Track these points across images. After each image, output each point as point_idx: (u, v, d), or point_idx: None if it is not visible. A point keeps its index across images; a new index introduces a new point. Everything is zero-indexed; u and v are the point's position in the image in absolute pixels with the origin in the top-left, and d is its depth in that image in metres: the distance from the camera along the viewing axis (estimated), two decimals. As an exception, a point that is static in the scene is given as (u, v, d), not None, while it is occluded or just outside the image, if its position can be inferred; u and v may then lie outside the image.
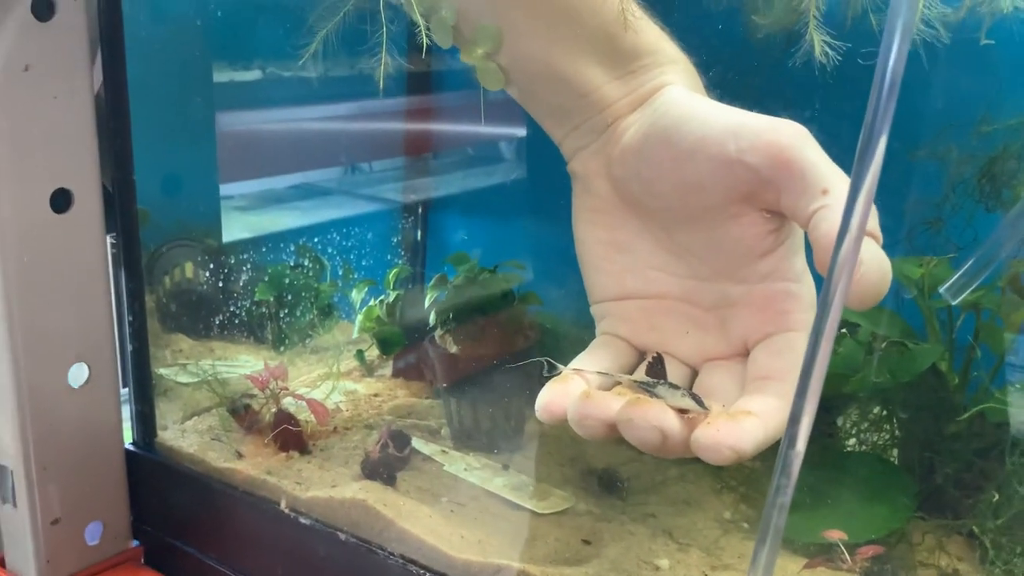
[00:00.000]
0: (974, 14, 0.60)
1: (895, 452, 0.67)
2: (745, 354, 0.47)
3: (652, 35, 0.49)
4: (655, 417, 0.40)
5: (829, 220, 0.39)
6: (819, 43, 0.48)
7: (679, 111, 0.46)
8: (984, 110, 0.65)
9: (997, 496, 0.59)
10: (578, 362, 0.48)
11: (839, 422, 0.68)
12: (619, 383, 0.46)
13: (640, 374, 0.47)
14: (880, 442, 0.67)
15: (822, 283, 0.41)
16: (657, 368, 0.45)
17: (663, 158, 0.46)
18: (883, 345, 0.62)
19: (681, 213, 0.47)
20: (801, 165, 0.41)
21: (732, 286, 0.47)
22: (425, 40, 0.50)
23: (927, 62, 0.61)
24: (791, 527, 0.61)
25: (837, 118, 0.47)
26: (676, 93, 0.48)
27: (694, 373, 0.49)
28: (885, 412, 0.67)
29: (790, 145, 0.41)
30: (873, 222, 0.39)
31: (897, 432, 0.67)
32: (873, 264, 0.38)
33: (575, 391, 0.43)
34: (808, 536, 0.61)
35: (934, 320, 0.64)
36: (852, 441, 0.68)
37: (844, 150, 0.38)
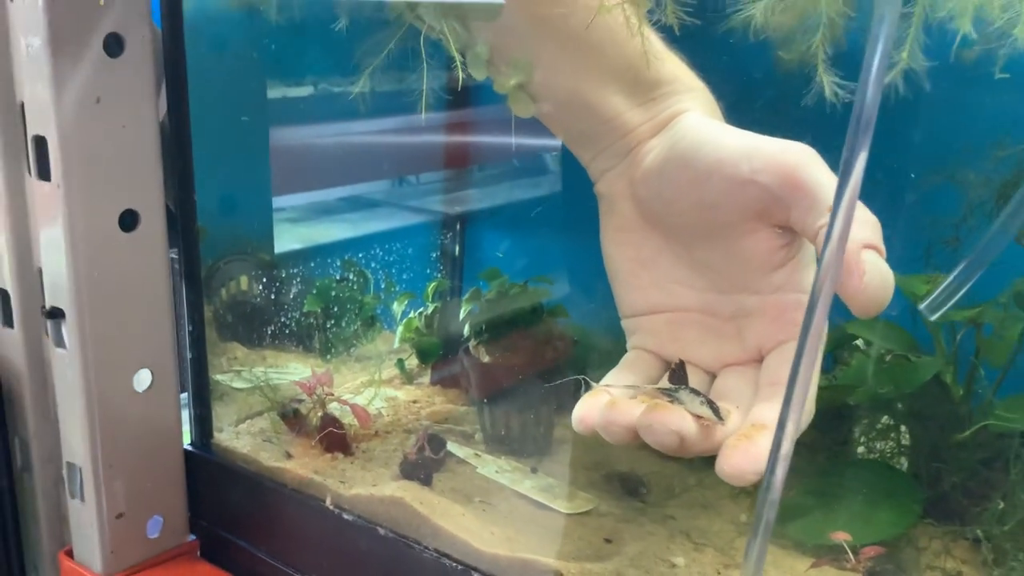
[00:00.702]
0: (989, 52, 0.63)
1: (903, 461, 0.70)
2: (760, 360, 0.51)
3: (671, 65, 0.53)
4: (672, 421, 0.44)
5: None
6: (829, 84, 0.52)
7: (696, 135, 0.50)
8: (1000, 136, 0.68)
9: (1002, 504, 0.61)
10: (610, 377, 0.52)
11: (852, 431, 0.71)
12: (644, 393, 0.49)
13: (664, 381, 0.50)
14: (888, 451, 0.70)
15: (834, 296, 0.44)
16: (679, 374, 0.49)
17: (682, 179, 0.50)
18: (888, 358, 0.65)
19: (700, 230, 0.51)
20: (810, 184, 0.44)
21: (748, 297, 0.51)
22: (461, 73, 0.54)
23: (943, 92, 0.64)
24: (801, 530, 0.65)
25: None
26: (693, 119, 0.52)
27: (712, 377, 0.52)
28: (894, 422, 0.70)
29: (799, 165, 0.45)
30: (876, 236, 0.43)
31: (905, 441, 0.69)
32: (875, 273, 0.41)
33: (604, 403, 0.48)
34: (817, 538, 0.64)
35: (940, 335, 0.67)
36: (861, 449, 0.71)
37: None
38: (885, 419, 0.69)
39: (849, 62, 0.50)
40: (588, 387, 0.50)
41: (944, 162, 0.70)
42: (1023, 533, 0.60)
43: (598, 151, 0.55)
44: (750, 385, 0.49)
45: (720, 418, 0.45)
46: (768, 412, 0.45)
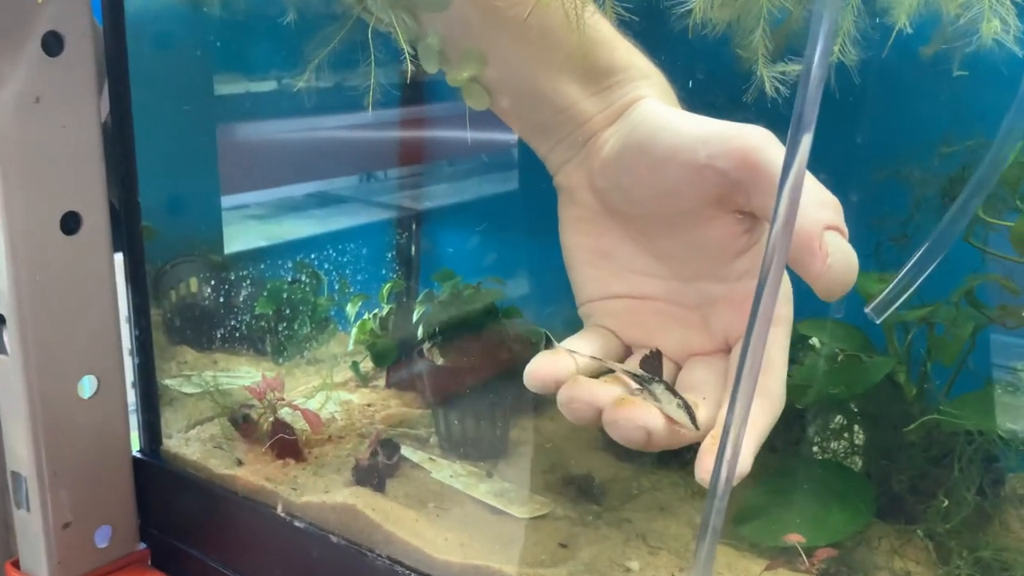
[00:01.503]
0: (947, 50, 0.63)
1: (857, 460, 0.70)
2: (727, 349, 0.50)
3: (624, 52, 0.52)
4: (640, 418, 0.42)
5: (801, 209, 0.41)
6: (768, 80, 0.51)
7: (652, 122, 0.49)
8: (945, 132, 0.68)
9: (946, 502, 0.62)
10: (569, 343, 0.50)
11: (805, 431, 0.71)
12: (611, 371, 0.48)
13: (630, 365, 0.48)
14: (841, 450, 0.70)
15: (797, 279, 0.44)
16: (654, 363, 0.47)
17: (640, 167, 0.49)
18: (840, 358, 0.65)
19: (659, 218, 0.50)
20: (767, 167, 0.43)
21: (712, 285, 0.50)
22: (411, 66, 0.53)
23: (886, 89, 0.64)
24: (755, 531, 0.65)
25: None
26: (650, 106, 0.50)
27: (678, 368, 0.51)
28: (846, 421, 0.70)
29: (755, 148, 0.44)
30: (838, 216, 0.42)
31: (858, 441, 0.70)
32: (839, 255, 0.40)
33: (564, 366, 0.46)
34: (771, 539, 0.64)
35: (892, 334, 0.67)
36: (815, 449, 0.71)
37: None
38: (838, 419, 0.70)
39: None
40: (550, 344, 0.49)
41: (889, 159, 0.70)
42: (966, 531, 0.61)
43: (555, 143, 0.54)
44: (718, 376, 0.48)
45: (696, 427, 0.43)
46: None
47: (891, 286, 0.46)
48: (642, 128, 0.49)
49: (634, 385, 0.46)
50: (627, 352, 0.52)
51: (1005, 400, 0.66)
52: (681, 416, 0.43)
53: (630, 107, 0.51)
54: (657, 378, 0.46)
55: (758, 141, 0.44)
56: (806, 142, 0.34)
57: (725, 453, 0.39)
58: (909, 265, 0.47)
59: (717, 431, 0.43)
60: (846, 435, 0.70)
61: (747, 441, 0.41)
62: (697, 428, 0.44)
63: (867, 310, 0.47)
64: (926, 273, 0.46)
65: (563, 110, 0.52)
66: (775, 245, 0.36)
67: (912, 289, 0.47)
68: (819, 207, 0.42)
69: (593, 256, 0.53)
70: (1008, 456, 0.64)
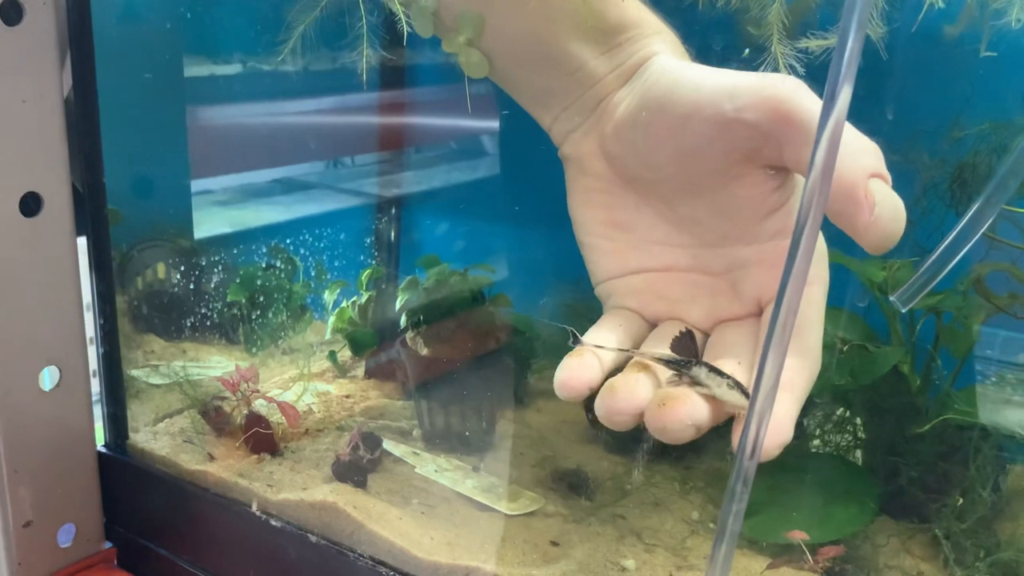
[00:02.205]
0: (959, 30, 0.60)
1: (859, 454, 0.68)
2: (758, 313, 0.47)
3: (634, 7, 0.49)
4: (688, 415, 0.39)
5: (841, 159, 0.38)
6: (781, 56, 0.49)
7: (670, 78, 0.46)
8: (956, 116, 0.66)
9: (961, 500, 0.60)
10: (591, 335, 0.47)
11: (806, 423, 0.68)
12: (640, 360, 0.44)
13: (659, 344, 0.45)
14: (844, 444, 0.68)
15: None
16: (687, 345, 0.44)
17: (659, 127, 0.45)
18: (845, 348, 0.63)
19: (682, 182, 0.47)
20: (801, 116, 0.40)
21: (742, 248, 0.47)
22: (405, 29, 0.49)
23: (903, 69, 0.61)
24: (756, 527, 0.63)
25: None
26: (664, 62, 0.47)
27: (705, 336, 0.48)
28: (849, 414, 0.67)
29: (788, 98, 0.41)
30: (881, 164, 0.39)
31: (861, 434, 0.67)
32: (886, 204, 0.38)
33: (593, 369, 0.43)
34: (772, 536, 0.62)
35: (896, 323, 0.65)
36: (816, 442, 0.69)
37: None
38: (840, 411, 0.67)
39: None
40: (576, 340, 0.45)
41: (898, 141, 0.68)
42: (983, 531, 0.58)
43: (561, 109, 0.50)
44: (751, 338, 0.45)
45: (741, 391, 0.40)
46: (786, 374, 0.39)
47: (918, 274, 0.43)
48: (659, 85, 0.46)
49: (669, 372, 0.43)
50: (651, 329, 0.49)
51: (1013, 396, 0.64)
52: (734, 396, 0.40)
53: (643, 65, 0.48)
54: (696, 360, 0.42)
55: (791, 90, 0.41)
56: (847, 89, 0.32)
57: (753, 418, 0.36)
58: (935, 255, 0.44)
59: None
60: (849, 428, 0.67)
61: (787, 407, 0.39)
62: (741, 392, 0.40)
63: (892, 299, 0.44)
64: (954, 261, 0.44)
65: (571, 73, 0.49)
66: (812, 195, 0.33)
67: (937, 280, 0.44)
68: (861, 154, 0.39)
69: (608, 229, 0.50)
70: (1016, 450, 0.62)
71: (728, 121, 0.42)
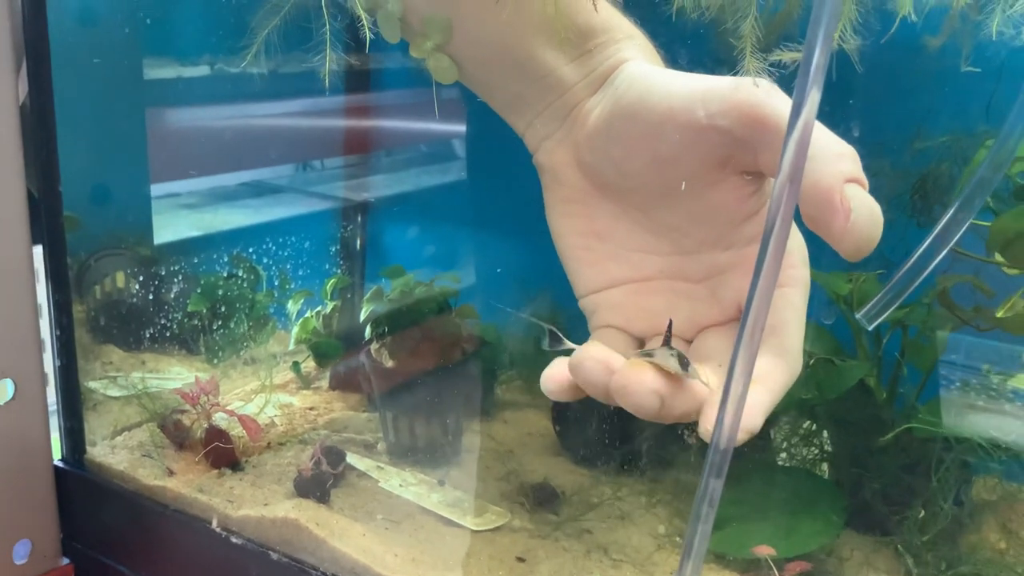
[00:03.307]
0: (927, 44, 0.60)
1: (825, 467, 0.68)
2: (738, 318, 0.46)
3: (604, 12, 0.48)
4: (651, 381, 0.39)
5: (811, 171, 0.37)
6: (753, 68, 0.48)
7: (641, 86, 0.45)
8: (918, 127, 0.66)
9: (923, 512, 0.60)
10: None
11: (772, 436, 0.68)
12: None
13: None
14: (811, 457, 0.68)
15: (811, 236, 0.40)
16: (666, 335, 0.43)
17: (632, 136, 0.45)
18: (812, 361, 0.63)
19: (658, 190, 0.46)
20: (774, 121, 0.39)
21: (719, 254, 0.46)
22: (369, 36, 0.48)
23: (866, 80, 0.61)
24: (722, 541, 0.62)
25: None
26: (636, 68, 0.46)
27: (688, 344, 0.47)
28: (815, 427, 0.67)
29: (760, 103, 0.40)
30: (857, 168, 0.38)
31: (827, 447, 0.67)
32: (862, 209, 0.37)
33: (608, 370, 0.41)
34: (739, 551, 0.61)
35: (862, 336, 0.65)
36: (783, 455, 0.68)
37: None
38: (807, 424, 0.67)
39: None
40: (554, 337, 0.44)
41: (861, 153, 0.68)
42: (946, 543, 0.59)
43: (533, 116, 0.49)
44: (732, 343, 0.45)
45: (685, 369, 0.40)
46: (764, 368, 0.39)
47: (884, 291, 0.43)
48: (631, 93, 0.45)
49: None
50: (639, 346, 0.48)
51: (977, 404, 0.64)
52: (671, 364, 0.39)
53: (614, 72, 0.47)
54: (659, 347, 0.41)
55: (763, 95, 0.40)
56: (815, 94, 0.31)
57: (726, 409, 0.36)
58: (902, 272, 0.44)
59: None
60: (816, 441, 0.67)
61: (759, 397, 0.38)
62: (686, 371, 0.40)
63: (858, 316, 0.44)
64: (921, 277, 0.43)
65: (539, 79, 0.48)
66: (780, 197, 0.32)
67: (903, 297, 0.44)
68: (837, 159, 0.38)
69: (586, 239, 0.49)
70: (980, 462, 0.62)
71: (702, 128, 0.42)
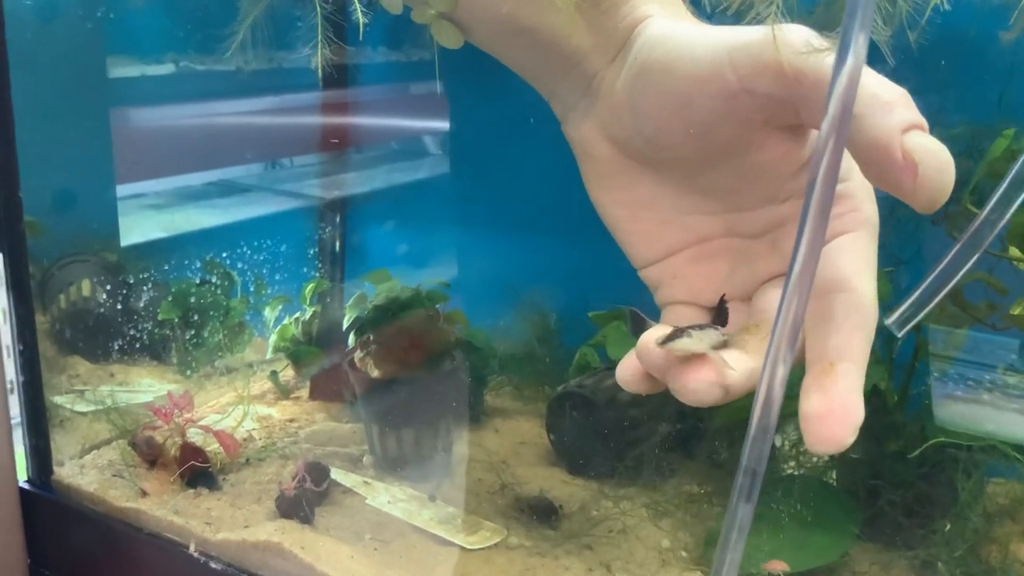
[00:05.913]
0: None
1: (833, 475, 0.65)
2: None
3: None
4: (712, 375, 0.35)
5: (864, 129, 0.34)
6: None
7: (665, 51, 0.41)
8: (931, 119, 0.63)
9: (949, 526, 0.57)
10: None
11: (782, 445, 0.65)
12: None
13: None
14: (820, 464, 0.65)
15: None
16: (720, 313, 0.41)
17: (660, 110, 0.41)
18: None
19: (696, 158, 0.42)
20: (814, 74, 0.36)
21: (776, 206, 0.43)
22: (362, 19, 0.45)
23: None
24: (732, 557, 0.59)
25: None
26: (656, 28, 0.42)
27: (746, 304, 0.44)
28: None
29: (795, 56, 0.36)
30: (911, 112, 0.34)
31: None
32: (931, 160, 0.33)
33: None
34: (749, 566, 0.59)
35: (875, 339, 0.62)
36: (792, 463, 0.66)
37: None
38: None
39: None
40: (636, 320, 0.41)
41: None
42: (973, 558, 0.56)
43: (554, 85, 0.46)
44: None
45: (718, 333, 0.37)
46: (841, 339, 0.36)
47: (912, 298, 0.40)
48: (653, 60, 0.41)
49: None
50: (708, 316, 0.45)
51: (991, 405, 0.62)
52: (706, 343, 0.36)
53: (631, 35, 0.43)
54: (694, 326, 0.37)
55: (796, 48, 0.36)
56: (863, 38, 0.28)
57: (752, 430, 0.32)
58: (931, 277, 0.41)
59: (814, 380, 0.35)
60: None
61: (849, 379, 0.34)
62: (718, 332, 0.37)
63: (888, 323, 0.41)
64: (954, 280, 0.40)
65: (550, 47, 0.44)
66: (823, 155, 0.29)
67: (934, 303, 0.41)
68: (888, 108, 0.34)
69: (632, 210, 0.46)
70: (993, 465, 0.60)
71: (734, 93, 0.38)
